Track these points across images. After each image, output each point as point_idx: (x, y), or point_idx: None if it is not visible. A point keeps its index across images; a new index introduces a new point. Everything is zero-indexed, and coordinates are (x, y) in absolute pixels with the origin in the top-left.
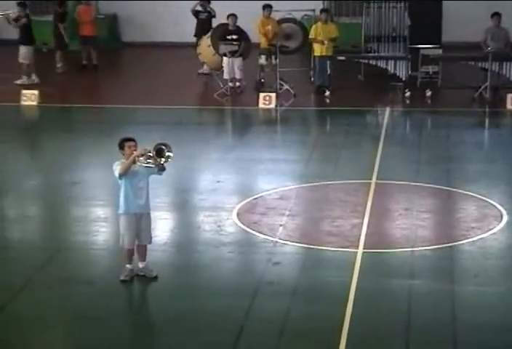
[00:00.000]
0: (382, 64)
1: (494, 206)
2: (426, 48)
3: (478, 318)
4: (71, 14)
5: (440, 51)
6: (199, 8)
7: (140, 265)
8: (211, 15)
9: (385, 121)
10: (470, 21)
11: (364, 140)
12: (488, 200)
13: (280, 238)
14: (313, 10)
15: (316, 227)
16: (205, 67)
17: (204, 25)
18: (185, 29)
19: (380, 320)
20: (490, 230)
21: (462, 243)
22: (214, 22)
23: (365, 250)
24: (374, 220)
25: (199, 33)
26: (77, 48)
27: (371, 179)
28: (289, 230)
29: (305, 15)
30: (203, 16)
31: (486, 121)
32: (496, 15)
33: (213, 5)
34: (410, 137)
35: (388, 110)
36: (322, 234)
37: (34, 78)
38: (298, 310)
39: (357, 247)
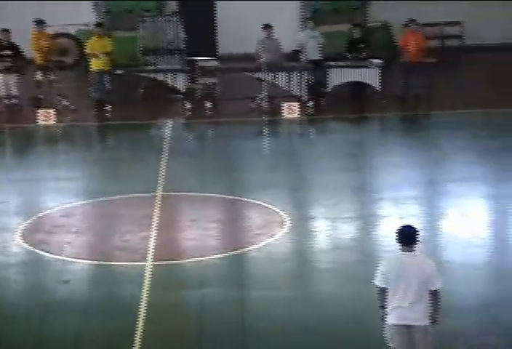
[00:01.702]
0: (160, 77)
1: (277, 212)
2: (203, 60)
3: (269, 323)
4: None
5: (217, 62)
6: None
7: None
8: None
9: (168, 133)
10: (246, 33)
11: (148, 154)
12: (271, 207)
13: (68, 256)
14: (88, 24)
15: (104, 242)
16: None
17: None
18: None
19: (173, 331)
20: (274, 235)
21: (249, 250)
22: None
23: (155, 262)
24: (162, 233)
25: None
26: None
27: (157, 192)
28: (76, 247)
29: (80, 29)
30: None
31: (265, 129)
32: (267, 27)
33: None
34: (193, 149)
35: (169, 122)
36: (111, 249)
37: None
38: (91, 327)
39: (146, 260)
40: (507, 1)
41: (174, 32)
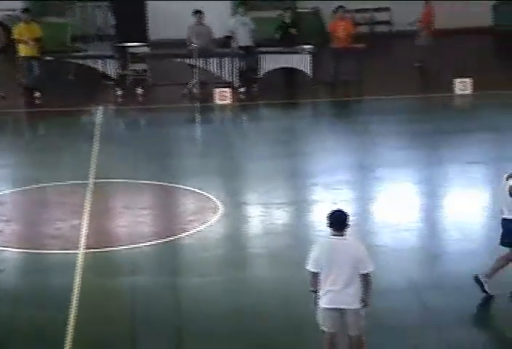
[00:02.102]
0: (90, 63)
1: (210, 199)
2: (133, 46)
3: (202, 308)
4: None
5: (147, 48)
6: None
7: None
8: None
9: (99, 120)
10: (177, 18)
11: (79, 141)
12: (204, 193)
13: None
14: (15, 10)
15: (36, 231)
16: None
17: None
18: None
19: (106, 318)
20: (207, 222)
21: (182, 237)
22: None
23: (87, 250)
24: (94, 220)
25: None
26: None
27: (89, 179)
28: (7, 235)
29: (7, 15)
30: None
31: (197, 116)
32: (198, 13)
33: None
34: (126, 135)
35: (100, 109)
36: (42, 238)
37: None
38: (23, 316)
39: (78, 248)
40: None
41: (104, 18)
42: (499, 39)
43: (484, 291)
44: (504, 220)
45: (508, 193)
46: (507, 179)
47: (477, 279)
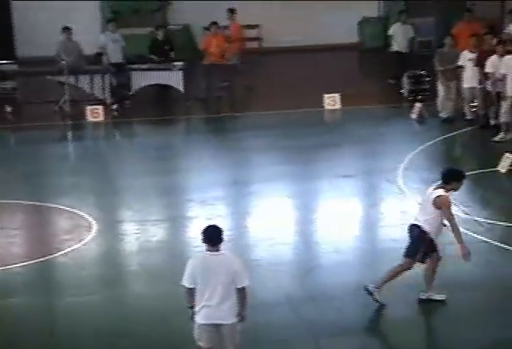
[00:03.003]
0: None
1: (83, 217)
2: (1, 63)
3: (78, 328)
4: None
5: (15, 66)
6: None
7: None
8: None
9: None
10: (45, 35)
11: None
12: (77, 211)
13: None
14: None
15: None
16: None
17: None
18: None
19: None
20: (82, 240)
21: (56, 256)
22: None
23: None
24: None
25: None
26: None
27: None
28: None
29: None
30: None
31: (69, 133)
32: (66, 29)
33: None
34: None
35: None
36: None
37: None
38: None
39: None
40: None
41: None
42: (364, 55)
43: (376, 300)
44: (412, 225)
45: (431, 202)
46: (434, 189)
47: (367, 289)
